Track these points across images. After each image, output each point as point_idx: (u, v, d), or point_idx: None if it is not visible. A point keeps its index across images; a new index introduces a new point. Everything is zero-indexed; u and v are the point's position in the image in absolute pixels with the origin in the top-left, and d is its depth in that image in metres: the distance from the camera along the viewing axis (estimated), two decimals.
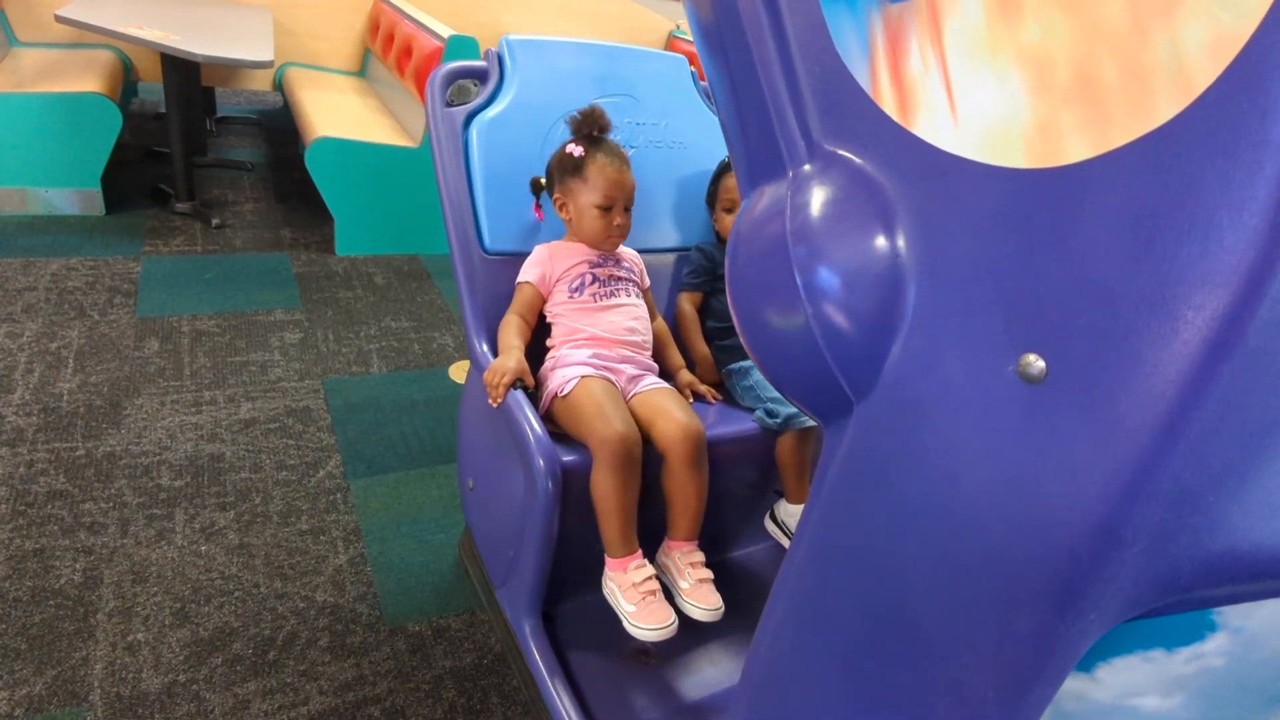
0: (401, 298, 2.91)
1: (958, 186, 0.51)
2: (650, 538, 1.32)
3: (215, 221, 3.22)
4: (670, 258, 1.65)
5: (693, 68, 1.70)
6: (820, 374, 0.60)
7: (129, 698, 1.32)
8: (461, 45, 2.97)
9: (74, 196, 3.07)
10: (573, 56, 1.56)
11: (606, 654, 1.36)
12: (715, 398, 1.52)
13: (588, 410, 1.27)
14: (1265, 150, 0.37)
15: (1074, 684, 0.54)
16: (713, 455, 1.33)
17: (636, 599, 1.24)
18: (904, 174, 0.55)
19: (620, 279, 1.46)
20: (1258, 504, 0.46)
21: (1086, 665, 0.54)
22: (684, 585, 1.29)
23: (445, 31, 3.04)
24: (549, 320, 1.45)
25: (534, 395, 1.35)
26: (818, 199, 0.60)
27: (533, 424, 1.25)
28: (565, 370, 1.35)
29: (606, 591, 1.30)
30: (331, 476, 1.92)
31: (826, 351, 0.58)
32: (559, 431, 1.33)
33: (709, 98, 1.69)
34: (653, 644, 1.32)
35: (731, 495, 1.51)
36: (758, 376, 1.50)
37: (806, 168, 0.62)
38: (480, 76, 1.50)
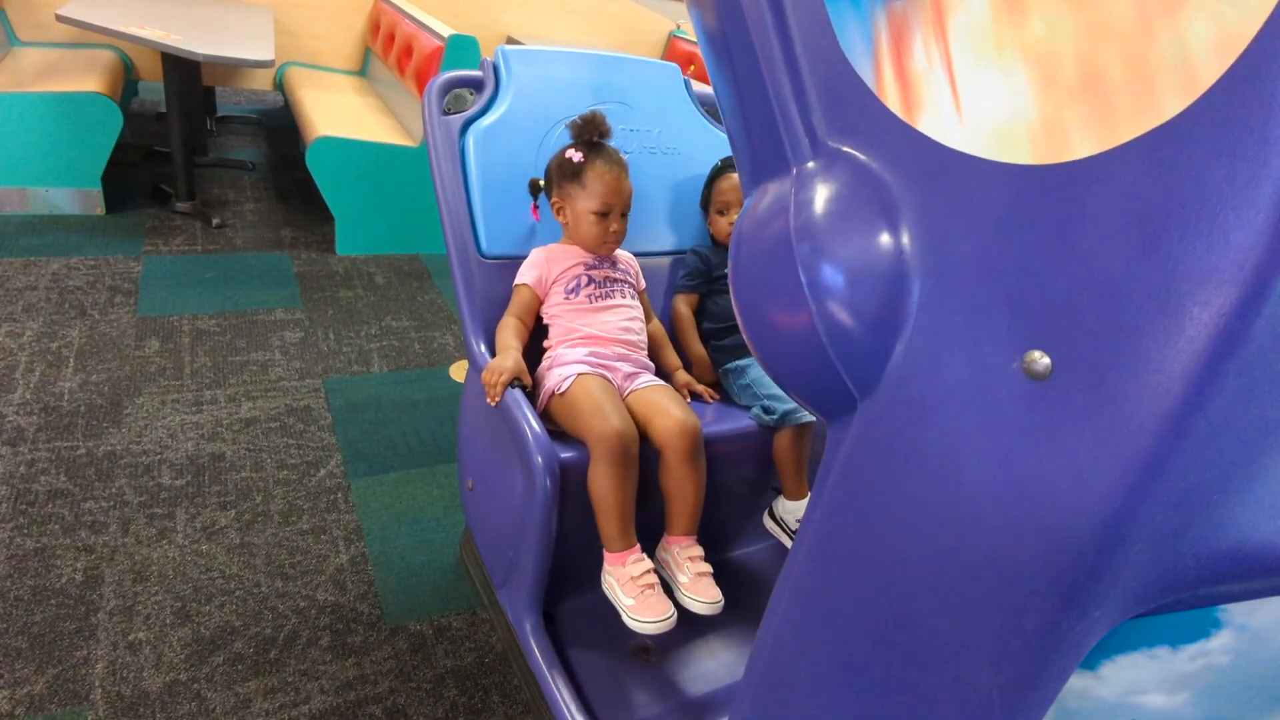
0: (402, 297, 2.91)
1: (962, 183, 0.51)
2: (648, 535, 1.32)
3: (216, 221, 3.22)
4: (666, 260, 1.66)
5: (686, 75, 1.72)
6: (824, 371, 0.60)
7: (130, 697, 1.32)
8: (462, 45, 2.97)
9: (74, 196, 3.07)
10: (567, 65, 1.59)
11: (607, 652, 1.36)
12: (713, 397, 1.52)
13: (585, 407, 1.28)
14: (1270, 146, 0.37)
15: (1078, 681, 0.54)
16: (710, 453, 1.33)
17: (635, 592, 1.24)
18: (908, 170, 0.55)
19: (616, 281, 1.47)
20: (1263, 501, 0.46)
21: (1091, 663, 0.54)
22: (683, 579, 1.29)
23: (445, 31, 3.04)
24: (546, 321, 1.46)
25: (532, 394, 1.36)
26: (822, 196, 0.60)
27: (531, 422, 1.26)
28: (562, 369, 1.36)
29: (605, 586, 1.30)
30: (332, 476, 1.92)
31: (830, 349, 0.58)
32: (557, 430, 1.33)
33: (702, 104, 1.71)
34: (652, 639, 1.32)
35: (730, 493, 1.51)
36: (754, 374, 1.50)
37: (810, 165, 0.62)
38: (476, 86, 1.52)
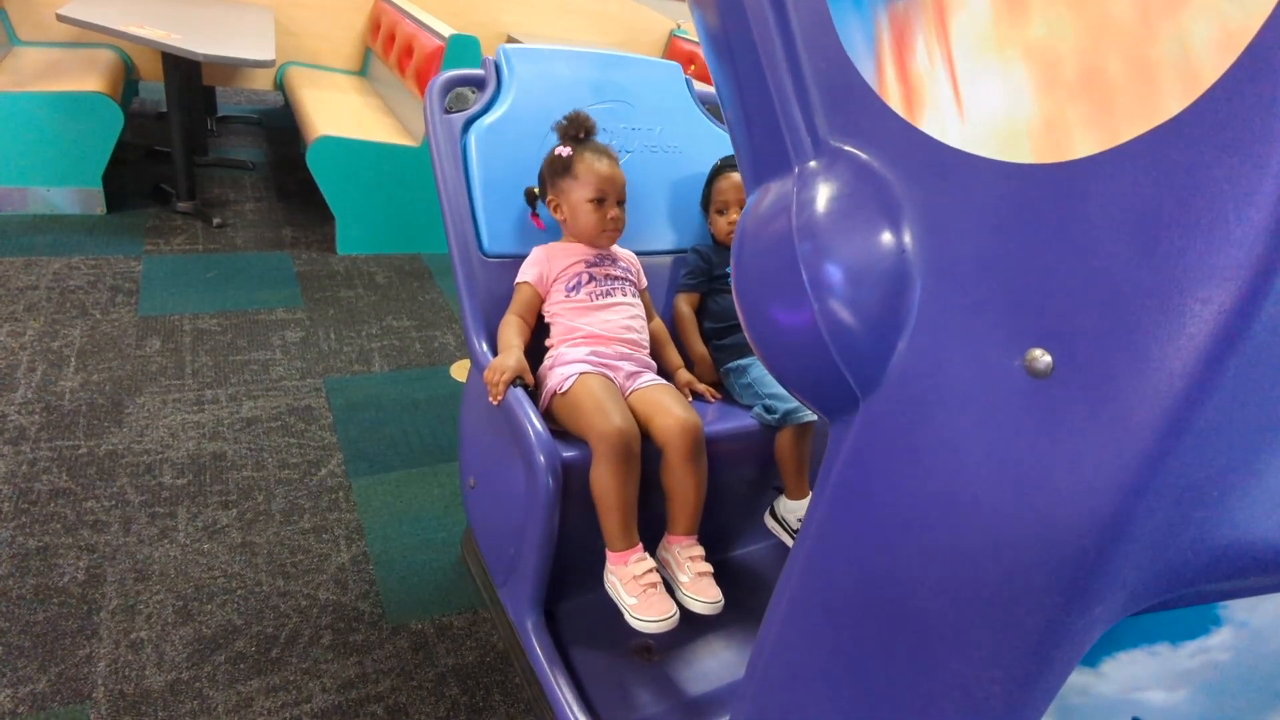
0: (403, 296, 2.91)
1: (964, 182, 0.51)
2: (649, 534, 1.32)
3: (216, 220, 3.22)
4: (667, 259, 1.66)
5: (687, 74, 1.72)
6: (826, 370, 0.60)
7: (132, 695, 1.33)
8: (462, 44, 2.97)
9: (75, 195, 3.07)
10: (568, 64, 1.59)
11: (608, 651, 1.36)
12: (714, 396, 1.53)
13: (587, 406, 1.28)
14: (1271, 145, 0.38)
15: (1079, 678, 0.54)
16: (712, 452, 1.33)
17: (638, 591, 1.24)
18: (910, 169, 0.55)
19: (617, 278, 1.47)
20: (1264, 498, 0.46)
21: (1091, 659, 0.54)
22: (684, 579, 1.29)
23: (446, 31, 3.04)
24: (547, 320, 1.46)
25: (533, 394, 1.36)
26: (823, 195, 0.60)
27: (533, 421, 1.26)
28: (564, 368, 1.36)
29: (608, 585, 1.30)
30: (333, 475, 1.92)
31: (832, 347, 0.59)
32: (559, 429, 1.34)
33: (703, 103, 1.71)
34: (654, 637, 1.32)
35: (731, 492, 1.51)
36: (756, 373, 1.50)
37: (812, 164, 0.62)
38: (478, 84, 1.52)
